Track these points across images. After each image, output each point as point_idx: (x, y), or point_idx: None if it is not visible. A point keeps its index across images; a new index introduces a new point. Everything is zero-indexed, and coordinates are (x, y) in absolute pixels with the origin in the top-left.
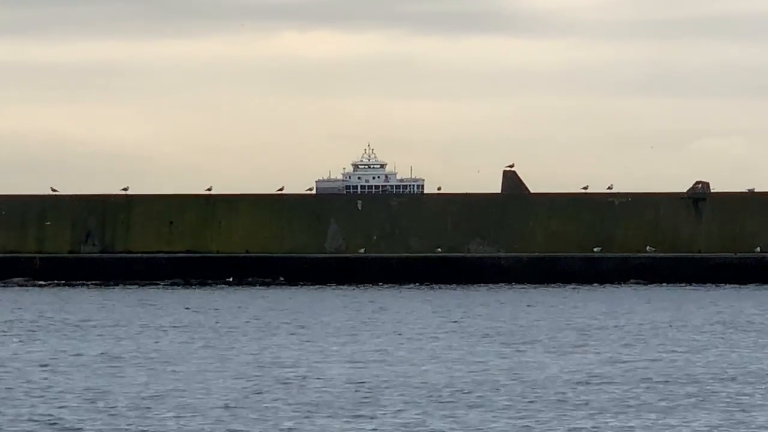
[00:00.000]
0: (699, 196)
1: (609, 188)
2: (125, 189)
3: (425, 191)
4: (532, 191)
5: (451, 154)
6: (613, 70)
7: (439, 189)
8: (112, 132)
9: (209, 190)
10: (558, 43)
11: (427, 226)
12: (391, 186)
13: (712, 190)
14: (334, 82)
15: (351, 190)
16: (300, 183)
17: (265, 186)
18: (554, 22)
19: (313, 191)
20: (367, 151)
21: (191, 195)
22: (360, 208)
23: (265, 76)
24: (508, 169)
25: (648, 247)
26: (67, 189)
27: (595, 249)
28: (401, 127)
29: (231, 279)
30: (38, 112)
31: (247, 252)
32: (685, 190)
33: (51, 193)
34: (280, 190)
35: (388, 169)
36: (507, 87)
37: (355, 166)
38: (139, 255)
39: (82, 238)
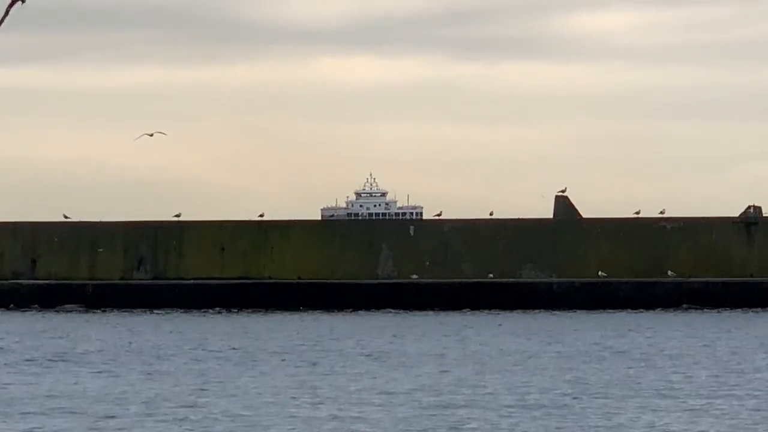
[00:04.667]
0: (751, 220)
1: (661, 213)
2: (177, 215)
3: (424, 217)
4: (583, 216)
5: (496, 178)
6: (652, 94)
7: (491, 214)
8: (155, 158)
9: (261, 216)
10: (597, 67)
11: (479, 252)
12: (391, 213)
13: (764, 214)
14: (371, 108)
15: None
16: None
17: (307, 212)
18: (592, 46)
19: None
20: (369, 180)
21: (243, 221)
22: (412, 234)
23: (301, 102)
24: (561, 194)
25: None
26: (115, 216)
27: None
28: (439, 151)
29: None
30: (79, 139)
31: (299, 278)
32: (735, 214)
33: (64, 220)
34: (261, 216)
35: (389, 197)
36: (547, 111)
37: (358, 195)
38: (192, 281)
39: (134, 265)
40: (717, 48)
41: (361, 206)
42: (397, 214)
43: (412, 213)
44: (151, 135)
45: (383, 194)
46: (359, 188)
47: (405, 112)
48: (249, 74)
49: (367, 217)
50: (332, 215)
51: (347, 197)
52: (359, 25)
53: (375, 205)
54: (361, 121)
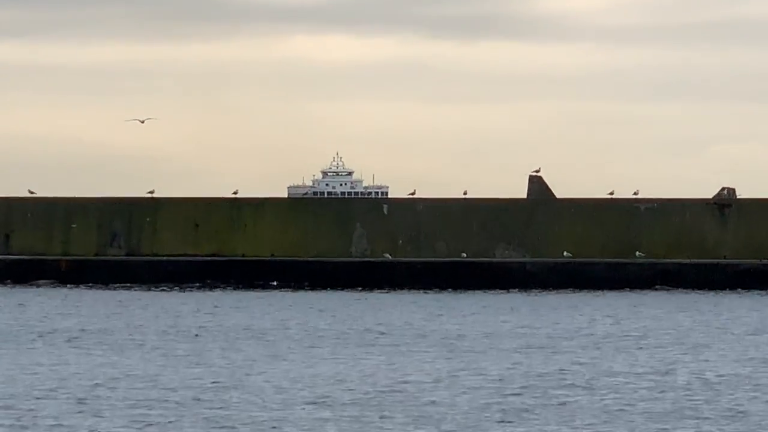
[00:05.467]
0: (725, 202)
1: (635, 194)
2: (151, 192)
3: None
4: (557, 196)
5: (472, 158)
6: (627, 74)
7: (465, 193)
8: (130, 135)
9: (235, 193)
10: (572, 47)
11: (452, 231)
12: (357, 193)
13: (738, 196)
14: (344, 86)
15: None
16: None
17: (274, 190)
18: (569, 26)
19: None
20: (335, 159)
21: (217, 198)
22: (386, 212)
23: (275, 80)
24: (535, 174)
25: (565, 253)
26: (90, 192)
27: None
28: (413, 130)
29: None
30: (55, 115)
31: (273, 255)
32: (709, 196)
33: (30, 195)
34: (235, 193)
35: (355, 176)
36: (523, 91)
37: (324, 173)
38: (165, 258)
39: (108, 241)
40: (691, 29)
41: (327, 185)
42: (362, 193)
43: (378, 192)
44: (143, 121)
45: (349, 173)
46: (326, 167)
47: (379, 90)
48: (224, 51)
49: (334, 196)
50: (300, 194)
51: (314, 176)
52: (334, 3)
53: (341, 184)
54: (333, 100)
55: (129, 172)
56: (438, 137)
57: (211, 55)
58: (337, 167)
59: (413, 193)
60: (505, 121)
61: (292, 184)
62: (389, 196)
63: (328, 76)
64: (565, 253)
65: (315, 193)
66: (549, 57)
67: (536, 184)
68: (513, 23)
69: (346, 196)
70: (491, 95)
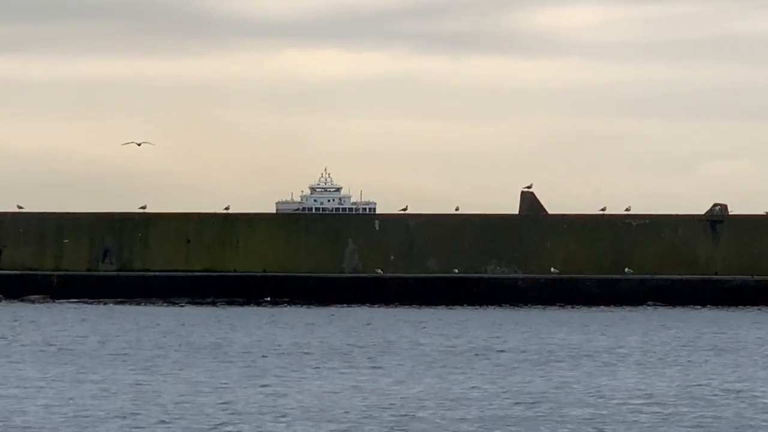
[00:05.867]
0: (717, 218)
1: (627, 210)
2: (143, 207)
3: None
4: (549, 212)
5: (463, 173)
6: (618, 90)
7: (457, 209)
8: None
9: (227, 209)
10: (563, 63)
11: (444, 247)
12: (344, 208)
13: (730, 213)
14: (336, 101)
15: (318, 212)
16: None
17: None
18: (559, 42)
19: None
20: (323, 175)
21: (209, 213)
22: (378, 228)
23: (266, 95)
24: (527, 190)
25: (552, 269)
26: (82, 207)
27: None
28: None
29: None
30: (45, 129)
31: (265, 271)
32: (701, 212)
33: (18, 210)
34: (226, 209)
35: (343, 192)
36: (514, 107)
37: (312, 189)
38: (157, 273)
39: (99, 256)
40: (682, 45)
41: (315, 201)
42: (350, 209)
43: (365, 208)
44: (139, 144)
45: (337, 189)
46: (314, 183)
47: (370, 106)
48: (215, 66)
49: (322, 212)
50: (289, 209)
51: (302, 192)
52: (325, 18)
53: (329, 200)
54: (324, 115)
55: (121, 188)
56: (428, 153)
57: (204, 70)
58: (326, 183)
59: (405, 209)
60: (496, 136)
61: (280, 200)
62: (377, 211)
63: (319, 91)
64: (552, 270)
65: (303, 208)
66: (540, 73)
67: (528, 200)
68: (504, 39)
69: (334, 212)
70: (482, 111)
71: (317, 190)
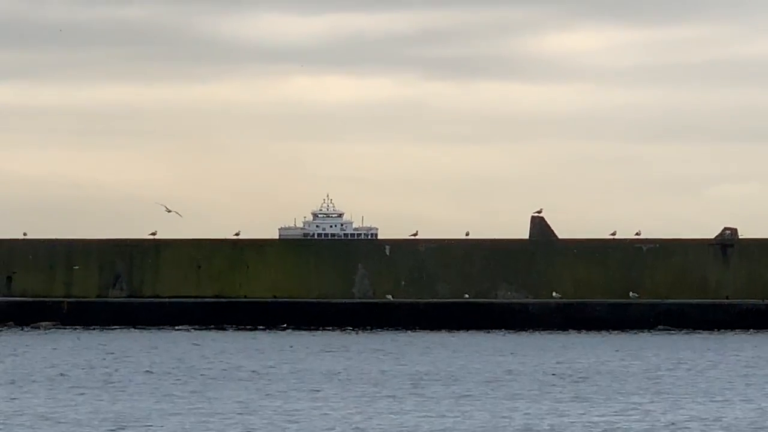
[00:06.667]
0: (727, 242)
1: (637, 234)
2: (153, 233)
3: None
4: (559, 237)
5: (471, 198)
6: (626, 114)
7: (467, 234)
8: (131, 176)
9: (237, 234)
10: (571, 88)
11: (454, 272)
12: (346, 234)
13: (740, 236)
14: (342, 127)
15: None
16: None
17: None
18: (567, 66)
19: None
20: (325, 201)
21: (219, 239)
22: (388, 253)
23: (271, 121)
24: (536, 214)
25: (554, 293)
26: (91, 233)
27: (632, 294)
28: (411, 171)
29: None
30: (51, 155)
31: (275, 297)
32: (711, 236)
33: (26, 237)
34: (237, 234)
35: (345, 218)
36: (522, 132)
37: (315, 215)
38: (168, 299)
39: (110, 282)
40: (691, 68)
41: (317, 227)
42: (352, 234)
43: (367, 234)
44: (169, 211)
45: (339, 215)
46: (316, 209)
47: (376, 131)
48: (223, 92)
49: (323, 238)
50: (291, 235)
51: (304, 217)
52: (331, 44)
53: (331, 226)
54: (330, 141)
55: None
56: (436, 178)
57: (211, 96)
58: (328, 209)
59: (415, 234)
60: (504, 161)
61: (283, 226)
62: (378, 237)
63: (325, 117)
64: (554, 294)
65: (305, 234)
66: (548, 97)
67: (538, 225)
68: (511, 63)
69: (335, 237)
70: (490, 135)
71: (319, 215)
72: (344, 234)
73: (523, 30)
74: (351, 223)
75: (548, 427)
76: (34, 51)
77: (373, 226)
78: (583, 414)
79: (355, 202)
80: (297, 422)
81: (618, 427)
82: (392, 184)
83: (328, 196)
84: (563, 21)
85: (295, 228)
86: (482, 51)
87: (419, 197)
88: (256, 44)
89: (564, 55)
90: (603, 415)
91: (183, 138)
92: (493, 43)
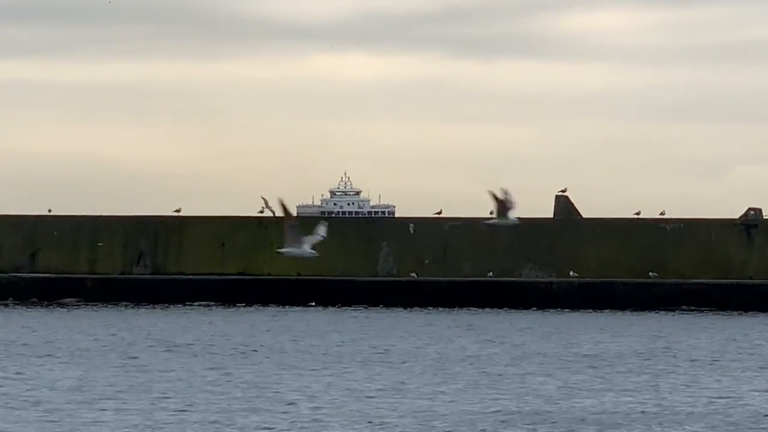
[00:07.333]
0: (751, 222)
1: (661, 214)
2: (177, 210)
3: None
4: (584, 216)
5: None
6: (651, 94)
7: (491, 213)
8: (155, 154)
9: (261, 212)
10: (595, 67)
11: (478, 250)
12: (363, 212)
13: (764, 217)
14: (363, 106)
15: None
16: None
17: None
18: (590, 45)
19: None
20: (343, 179)
21: (243, 217)
22: (412, 232)
23: (293, 99)
24: (561, 193)
25: (571, 273)
26: (116, 210)
27: (651, 274)
28: (433, 150)
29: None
30: (78, 132)
31: (299, 275)
32: (735, 216)
33: (51, 213)
34: (261, 212)
35: (362, 195)
36: (546, 111)
37: (332, 193)
38: (191, 277)
39: (134, 260)
40: (715, 49)
41: (335, 204)
42: (369, 212)
43: (384, 212)
44: (269, 208)
45: (357, 192)
46: (334, 186)
47: (398, 110)
48: (245, 70)
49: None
50: (309, 213)
51: (322, 195)
52: (353, 22)
53: (348, 204)
54: (352, 119)
55: (155, 191)
56: (458, 156)
57: (233, 74)
58: (345, 187)
59: (439, 213)
60: (529, 140)
61: (301, 203)
62: (396, 215)
63: (347, 95)
64: (571, 273)
65: (323, 212)
66: (572, 77)
67: (563, 204)
68: (534, 42)
69: (353, 215)
70: (514, 115)
71: (337, 193)
72: (361, 212)
73: (547, 9)
74: (368, 200)
75: None
76: (60, 27)
77: (390, 204)
78: None
79: (372, 180)
80: None
81: None
82: (412, 163)
83: (345, 173)
84: (588, 0)
85: (313, 206)
86: (506, 30)
87: (438, 176)
88: (279, 22)
89: (588, 34)
90: None
91: (206, 115)
92: (516, 22)
